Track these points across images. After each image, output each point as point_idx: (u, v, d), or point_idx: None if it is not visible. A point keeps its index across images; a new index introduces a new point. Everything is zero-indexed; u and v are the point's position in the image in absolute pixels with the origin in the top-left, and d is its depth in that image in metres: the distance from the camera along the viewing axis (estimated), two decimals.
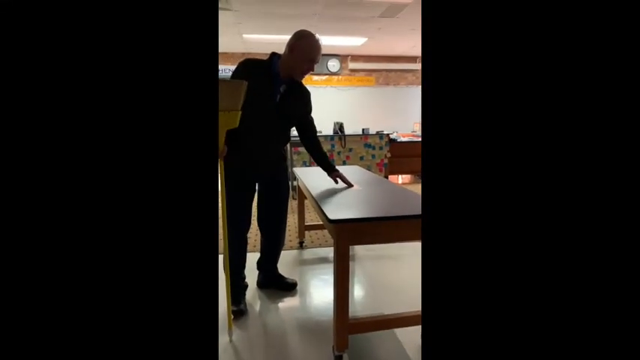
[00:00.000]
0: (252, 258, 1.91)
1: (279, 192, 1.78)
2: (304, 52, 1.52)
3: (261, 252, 1.91)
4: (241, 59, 1.61)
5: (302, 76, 1.60)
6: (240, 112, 1.42)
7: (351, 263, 2.27)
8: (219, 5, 3.46)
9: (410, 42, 5.35)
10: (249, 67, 1.56)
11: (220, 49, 5.29)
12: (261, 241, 1.90)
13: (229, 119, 1.38)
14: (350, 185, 1.74)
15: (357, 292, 1.94)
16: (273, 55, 1.61)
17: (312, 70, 1.62)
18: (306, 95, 1.72)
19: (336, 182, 1.78)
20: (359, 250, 2.48)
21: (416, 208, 1.34)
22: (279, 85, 1.59)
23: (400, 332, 1.51)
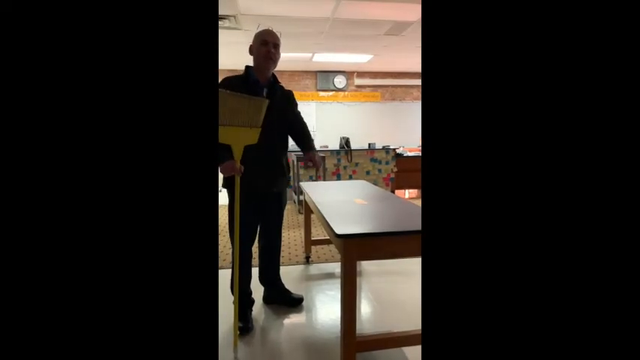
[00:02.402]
0: (255, 273, 1.90)
1: (280, 204, 1.80)
2: (255, 40, 1.65)
3: (261, 266, 1.90)
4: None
5: (266, 60, 1.62)
6: (260, 129, 1.49)
7: (358, 279, 2.24)
8: (230, 25, 3.57)
9: (415, 58, 5.42)
10: (228, 83, 1.63)
11: (230, 67, 5.42)
12: (259, 254, 1.89)
13: (250, 135, 1.47)
14: (316, 166, 1.76)
15: (364, 308, 1.91)
16: (248, 67, 1.71)
17: (271, 51, 1.62)
18: (288, 92, 1.78)
19: (307, 166, 1.79)
20: (366, 266, 2.45)
21: None
22: (260, 90, 1.65)
23: (409, 350, 1.48)
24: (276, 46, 1.64)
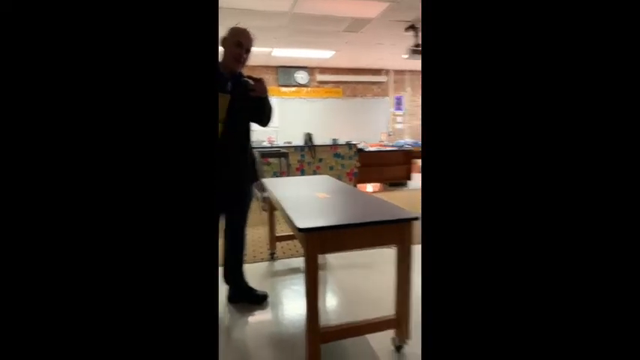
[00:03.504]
0: (219, 272, 1.86)
1: (242, 201, 1.78)
2: (230, 38, 1.63)
3: (225, 263, 1.87)
4: None
5: (236, 62, 1.62)
6: (220, 125, 1.47)
7: (323, 273, 2.27)
8: None
9: (376, 55, 5.54)
10: None
11: None
12: (224, 253, 1.86)
13: None
14: (258, 88, 1.64)
15: (330, 301, 1.94)
16: None
17: (243, 55, 1.63)
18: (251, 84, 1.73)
19: (253, 90, 1.64)
20: (331, 260, 2.48)
21: (385, 214, 1.37)
22: (224, 83, 1.63)
23: (372, 338, 1.52)
24: (249, 50, 1.64)
